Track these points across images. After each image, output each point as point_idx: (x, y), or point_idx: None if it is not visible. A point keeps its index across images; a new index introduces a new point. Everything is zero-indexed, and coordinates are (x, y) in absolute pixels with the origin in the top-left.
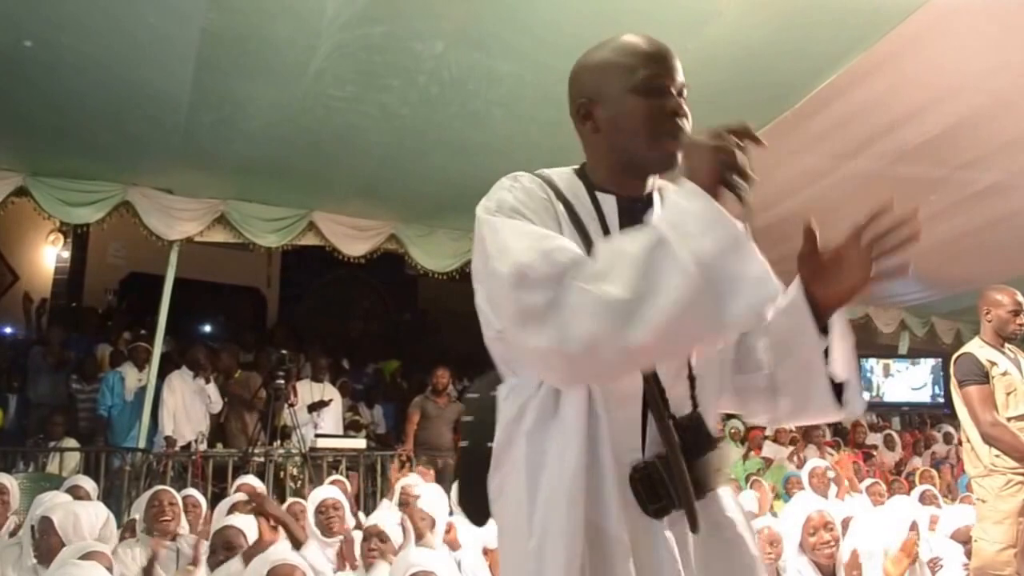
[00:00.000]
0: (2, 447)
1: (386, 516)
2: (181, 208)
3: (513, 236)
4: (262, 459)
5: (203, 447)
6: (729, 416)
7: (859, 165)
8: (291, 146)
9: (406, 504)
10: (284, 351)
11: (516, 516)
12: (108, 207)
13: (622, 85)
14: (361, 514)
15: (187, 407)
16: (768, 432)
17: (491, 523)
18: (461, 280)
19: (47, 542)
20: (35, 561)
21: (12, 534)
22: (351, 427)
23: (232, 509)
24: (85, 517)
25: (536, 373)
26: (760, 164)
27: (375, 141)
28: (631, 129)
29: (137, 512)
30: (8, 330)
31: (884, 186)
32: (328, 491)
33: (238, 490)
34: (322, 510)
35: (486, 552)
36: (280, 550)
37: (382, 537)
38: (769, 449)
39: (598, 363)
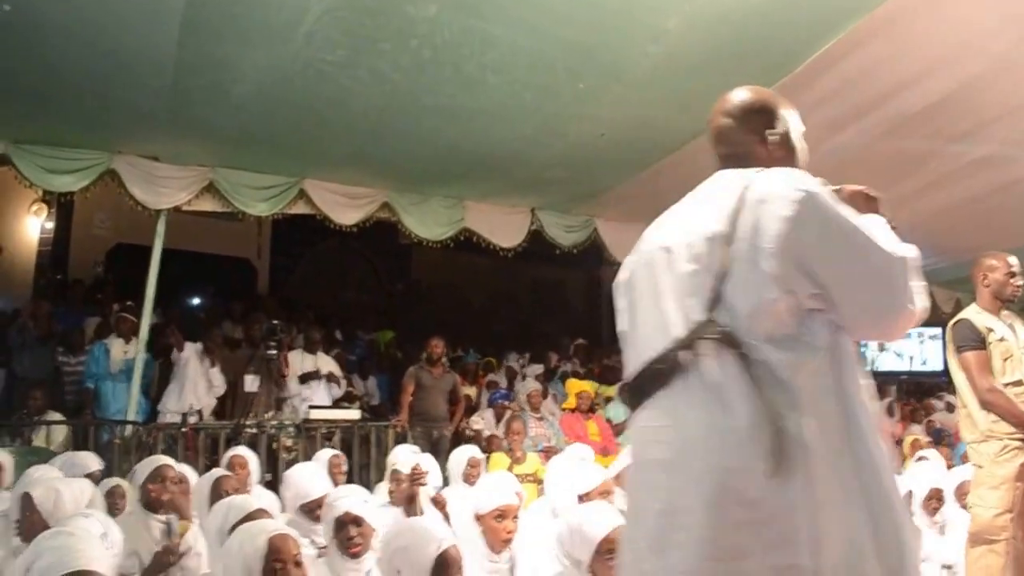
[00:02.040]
0: None
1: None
2: (168, 176)
3: (873, 227)
4: (255, 431)
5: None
6: None
7: (857, 133)
8: (281, 112)
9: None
10: (275, 321)
11: (839, 443)
12: (92, 175)
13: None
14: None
15: (194, 382)
16: None
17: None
18: (454, 250)
19: (28, 519)
20: (18, 541)
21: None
22: (344, 398)
23: (217, 483)
24: (68, 494)
25: (885, 332)
26: None
27: (367, 106)
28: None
29: (132, 482)
30: None
31: (883, 155)
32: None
33: (230, 461)
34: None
35: (479, 518)
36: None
37: (358, 522)
38: None
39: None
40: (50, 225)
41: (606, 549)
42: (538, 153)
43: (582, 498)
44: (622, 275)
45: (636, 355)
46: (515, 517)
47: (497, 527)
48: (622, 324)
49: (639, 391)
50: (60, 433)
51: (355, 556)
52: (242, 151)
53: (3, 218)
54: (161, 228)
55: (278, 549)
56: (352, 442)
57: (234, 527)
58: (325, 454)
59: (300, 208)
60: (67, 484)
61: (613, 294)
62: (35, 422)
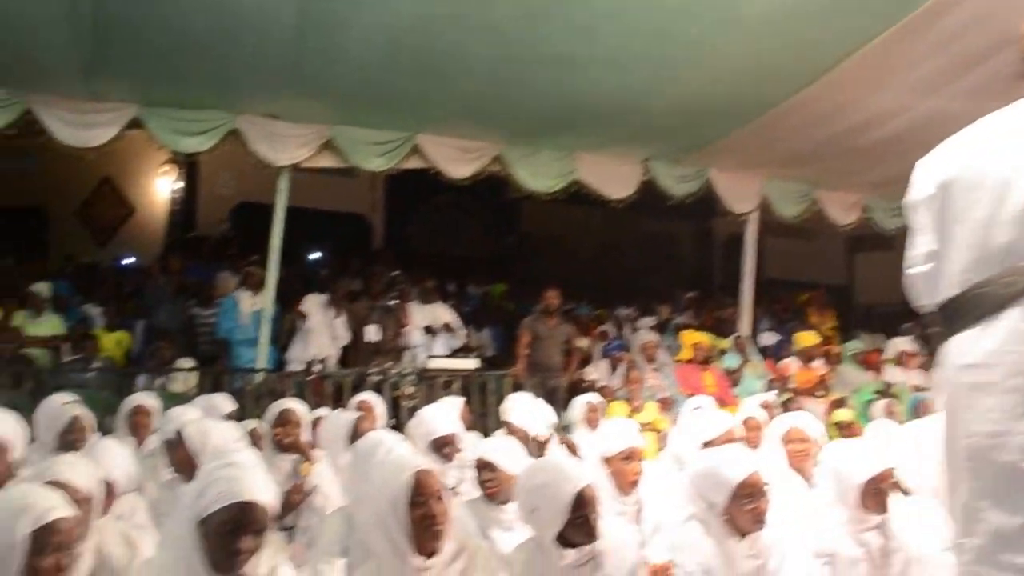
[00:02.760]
0: (130, 370)
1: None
2: (288, 134)
3: None
4: (377, 379)
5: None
6: (848, 337)
7: (987, 72)
8: (396, 68)
9: None
10: (396, 272)
11: None
12: (218, 136)
13: None
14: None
15: (319, 332)
16: (888, 355)
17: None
18: (564, 203)
19: (178, 457)
20: (173, 475)
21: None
22: (462, 349)
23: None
24: (217, 432)
25: None
26: (876, 74)
27: (480, 59)
28: None
29: (264, 425)
30: (128, 260)
31: (1014, 96)
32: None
33: (358, 406)
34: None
35: (606, 460)
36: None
37: (492, 467)
38: (892, 374)
39: None
40: (179, 185)
41: (744, 494)
42: (651, 101)
43: (707, 446)
44: (923, 190)
45: (951, 277)
46: (640, 459)
47: (625, 469)
48: (927, 243)
49: (958, 314)
50: (194, 381)
51: (491, 498)
52: (358, 107)
53: (135, 180)
54: (284, 183)
55: (423, 483)
56: (470, 391)
57: (372, 463)
58: (452, 399)
59: (414, 163)
60: (215, 424)
61: (907, 210)
62: (173, 369)
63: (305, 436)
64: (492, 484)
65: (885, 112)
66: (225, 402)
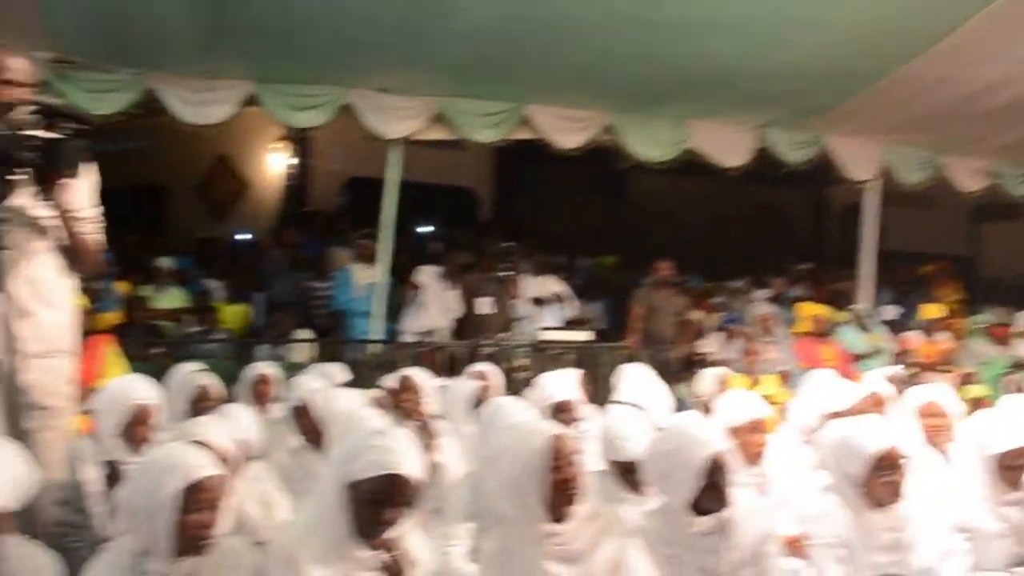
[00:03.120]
0: (250, 341)
1: None
2: (398, 107)
3: None
4: (490, 350)
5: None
6: (973, 310)
7: None
8: (506, 38)
9: None
10: (509, 243)
11: None
12: (331, 110)
13: None
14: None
15: (432, 304)
16: (1017, 329)
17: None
18: (673, 173)
19: (304, 425)
20: (302, 442)
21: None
22: (574, 321)
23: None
24: (343, 401)
25: None
26: (1005, 32)
27: (591, 26)
28: None
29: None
30: (243, 236)
31: None
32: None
33: (476, 376)
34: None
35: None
36: None
37: None
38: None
39: None
40: (292, 161)
41: (883, 465)
42: (767, 66)
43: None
44: None
45: None
46: (766, 431)
47: (751, 440)
48: None
49: None
50: (312, 352)
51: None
52: (468, 79)
53: (249, 156)
54: (395, 157)
55: (558, 447)
56: (583, 363)
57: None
58: (568, 370)
59: (523, 133)
60: (341, 392)
61: None
62: (291, 341)
63: (431, 405)
64: None
65: (1015, 73)
66: (340, 372)
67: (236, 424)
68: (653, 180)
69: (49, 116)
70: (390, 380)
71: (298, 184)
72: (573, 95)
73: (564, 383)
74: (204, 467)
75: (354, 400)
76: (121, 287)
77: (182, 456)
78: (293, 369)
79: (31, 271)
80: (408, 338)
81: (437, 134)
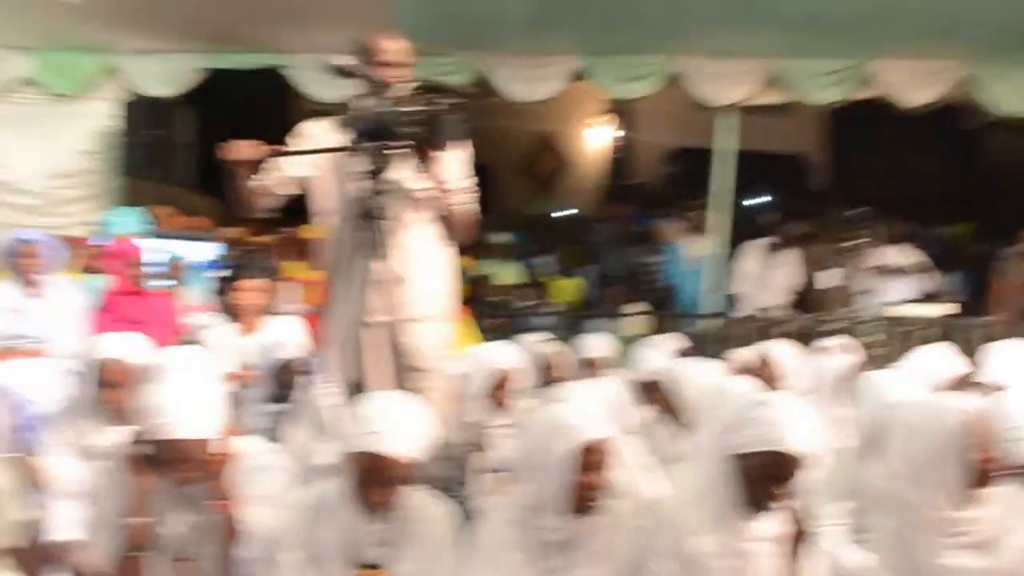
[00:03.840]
0: (583, 314)
1: None
2: (730, 72)
3: None
4: (837, 325)
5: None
6: None
7: None
8: None
9: None
10: (857, 210)
11: None
12: (659, 80)
13: None
14: None
15: (766, 276)
16: None
17: None
18: None
19: (657, 396)
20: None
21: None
22: (929, 294)
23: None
24: (705, 373)
25: None
26: None
27: None
28: None
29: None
30: (567, 211)
31: None
32: None
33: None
34: None
35: None
36: None
37: None
38: None
39: None
40: (616, 134)
41: None
42: None
43: None
44: None
45: None
46: None
47: None
48: None
49: None
50: (643, 326)
51: None
52: (806, 36)
53: (570, 132)
54: (725, 124)
55: (976, 427)
56: (947, 340)
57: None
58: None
59: (865, 92)
60: (699, 363)
61: None
62: (624, 314)
63: (795, 380)
64: None
65: None
66: (681, 344)
67: (600, 392)
68: (1013, 138)
69: (427, 92)
70: (745, 353)
71: (622, 157)
72: (924, 45)
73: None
74: (598, 429)
75: (716, 372)
76: (463, 262)
77: (576, 417)
78: (628, 343)
79: (409, 240)
80: (742, 312)
81: (769, 98)
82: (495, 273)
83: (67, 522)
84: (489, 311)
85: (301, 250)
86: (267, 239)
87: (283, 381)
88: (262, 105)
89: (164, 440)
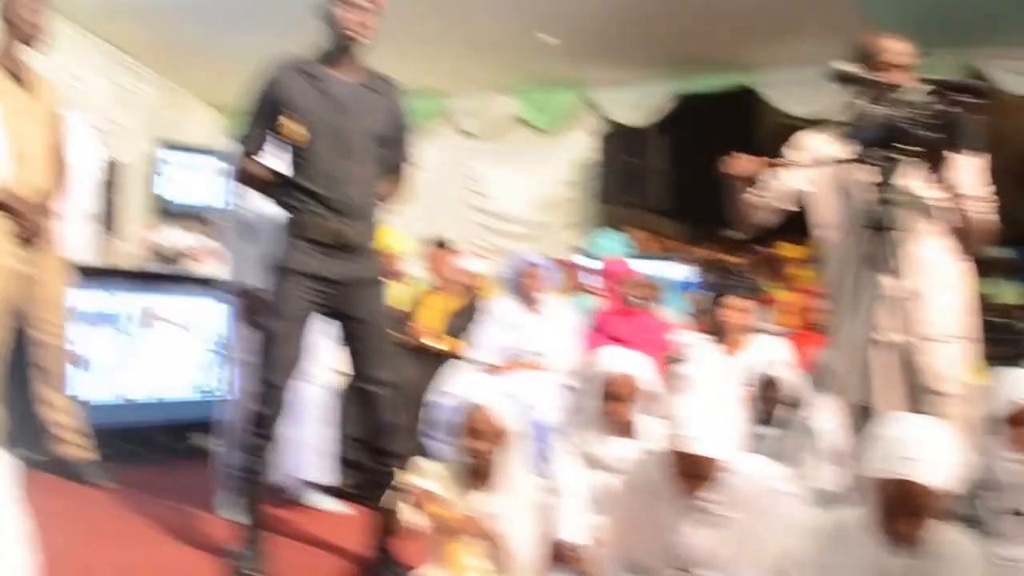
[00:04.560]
0: None
1: None
2: None
3: None
4: None
5: None
6: None
7: None
8: None
9: None
10: None
11: None
12: None
13: None
14: None
15: None
16: None
17: None
18: None
19: None
20: None
21: None
22: None
23: None
24: None
25: None
26: None
27: None
28: None
29: None
30: None
31: None
32: None
33: None
34: None
35: None
36: None
37: None
38: None
39: None
40: None
41: None
42: None
43: None
44: None
45: None
46: None
47: None
48: None
49: None
50: None
51: None
52: None
53: None
54: None
55: None
56: None
57: None
58: None
59: None
60: None
61: None
62: None
63: None
64: None
65: None
66: None
67: None
68: None
69: (947, 90)
70: None
71: None
72: None
73: None
74: None
75: None
76: None
77: None
78: None
79: (921, 253)
80: None
81: None
82: (996, 292)
83: (574, 526)
84: (989, 333)
85: (775, 270)
86: (743, 259)
87: (768, 400)
88: (727, 128)
89: (680, 452)
